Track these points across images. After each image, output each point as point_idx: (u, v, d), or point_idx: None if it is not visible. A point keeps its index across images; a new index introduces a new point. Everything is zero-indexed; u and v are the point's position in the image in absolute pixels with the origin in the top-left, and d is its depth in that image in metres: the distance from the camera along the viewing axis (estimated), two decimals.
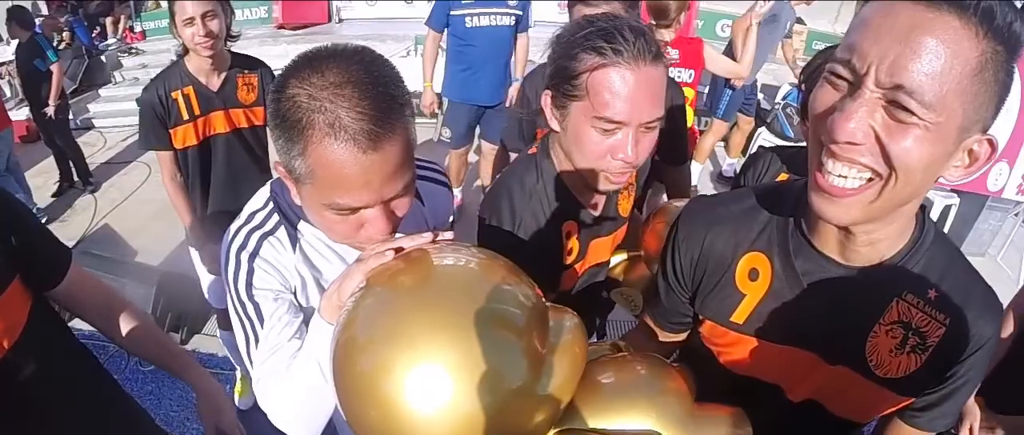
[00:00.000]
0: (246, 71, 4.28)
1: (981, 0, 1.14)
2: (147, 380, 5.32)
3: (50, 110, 9.03)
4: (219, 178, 4.38)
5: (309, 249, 1.96)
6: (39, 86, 9.13)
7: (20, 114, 11.69)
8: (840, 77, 1.27)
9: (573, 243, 2.25)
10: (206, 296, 4.71)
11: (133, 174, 10.33)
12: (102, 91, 14.11)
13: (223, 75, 4.20)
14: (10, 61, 12.25)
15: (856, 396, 1.67)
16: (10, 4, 9.54)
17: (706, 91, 8.69)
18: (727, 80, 7.88)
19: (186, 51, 4.08)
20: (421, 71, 7.03)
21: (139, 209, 9.01)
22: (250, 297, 1.90)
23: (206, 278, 4.60)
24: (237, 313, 1.92)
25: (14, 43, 9.77)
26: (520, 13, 6.66)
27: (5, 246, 1.94)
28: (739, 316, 1.74)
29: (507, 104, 7.17)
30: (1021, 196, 6.82)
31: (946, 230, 7.72)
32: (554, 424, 1.38)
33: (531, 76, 3.81)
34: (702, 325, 1.87)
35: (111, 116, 13.16)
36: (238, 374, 5.27)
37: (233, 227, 1.93)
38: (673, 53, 5.36)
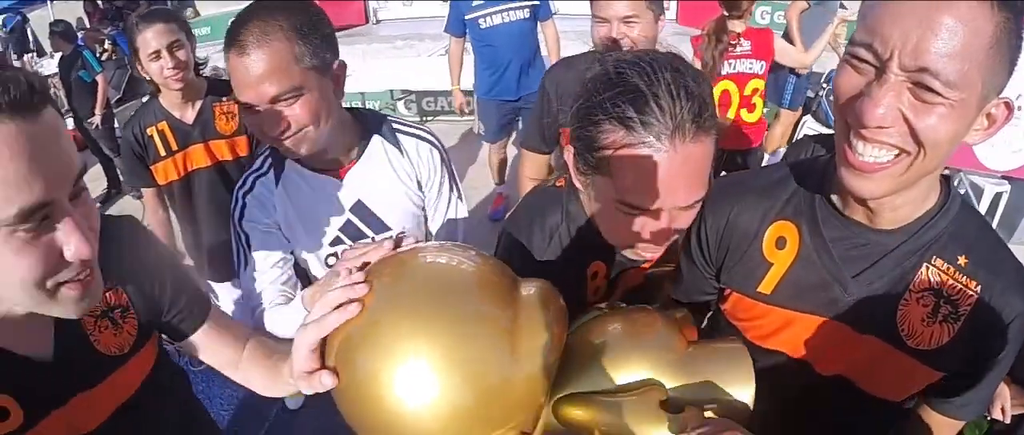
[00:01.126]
0: (223, 99, 3.99)
1: None
2: (198, 380, 5.36)
3: (96, 120, 9.15)
4: (205, 214, 4.17)
5: (289, 183, 2.38)
6: (84, 97, 9.28)
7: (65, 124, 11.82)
8: (863, 61, 1.29)
9: (600, 282, 2.01)
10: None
11: None
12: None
13: (198, 105, 3.98)
14: (54, 74, 12.44)
15: (888, 370, 1.63)
16: (52, 19, 9.69)
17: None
18: (792, 68, 7.75)
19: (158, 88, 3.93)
20: (449, 74, 7.20)
21: None
22: (241, 227, 2.39)
23: (226, 304, 4.48)
24: (235, 242, 2.43)
25: (57, 56, 9.91)
26: (536, 3, 6.53)
27: (147, 297, 1.82)
28: (766, 286, 1.72)
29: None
30: None
31: (997, 219, 7.60)
32: (547, 394, 1.41)
33: (551, 72, 3.71)
34: (727, 300, 1.85)
35: None
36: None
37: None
38: (745, 44, 5.35)
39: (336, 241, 2.49)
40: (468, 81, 7.20)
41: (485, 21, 6.41)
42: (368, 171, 2.45)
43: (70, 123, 11.28)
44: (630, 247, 1.79)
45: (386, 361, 1.22)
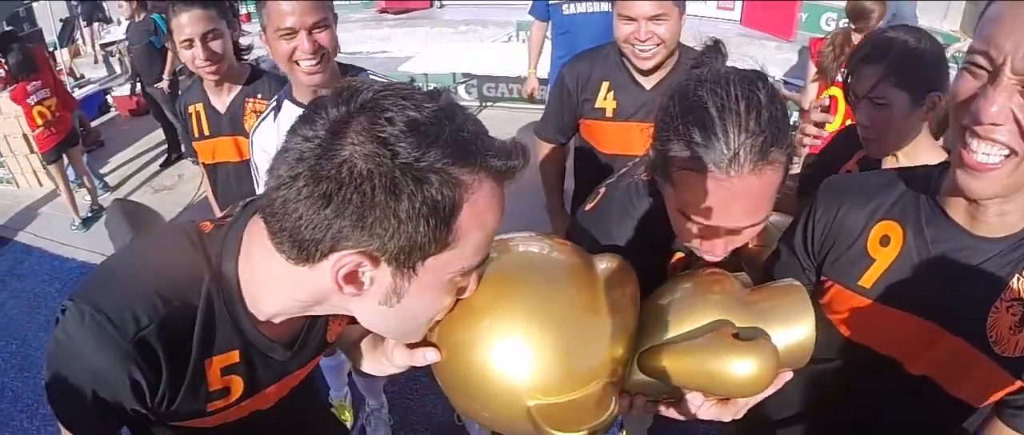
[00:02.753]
0: (258, 96, 3.72)
1: None
2: None
3: (163, 84, 9.26)
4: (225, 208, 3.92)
5: (284, 118, 2.85)
6: (152, 63, 9.40)
7: (126, 89, 12.12)
8: (979, 66, 1.36)
9: (680, 256, 2.08)
10: None
11: None
12: None
13: (232, 96, 3.75)
14: (122, 40, 12.59)
15: (973, 373, 1.67)
16: None
17: None
18: None
19: None
20: (527, 57, 7.15)
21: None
22: (251, 145, 3.07)
23: None
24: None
25: (125, 24, 10.03)
26: None
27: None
28: (867, 280, 1.77)
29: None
30: None
31: None
32: (630, 349, 1.52)
33: (571, 65, 3.66)
34: (827, 293, 1.88)
35: None
36: (337, 400, 4.84)
37: None
38: None
39: None
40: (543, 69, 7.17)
41: (568, 8, 6.36)
42: None
43: (127, 89, 11.56)
44: (695, 248, 1.83)
45: (485, 338, 1.37)
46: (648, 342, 1.57)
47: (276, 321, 1.51)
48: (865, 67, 2.48)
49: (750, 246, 2.11)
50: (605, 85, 3.44)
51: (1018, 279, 1.57)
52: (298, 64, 2.77)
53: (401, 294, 1.27)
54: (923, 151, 2.51)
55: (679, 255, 2.07)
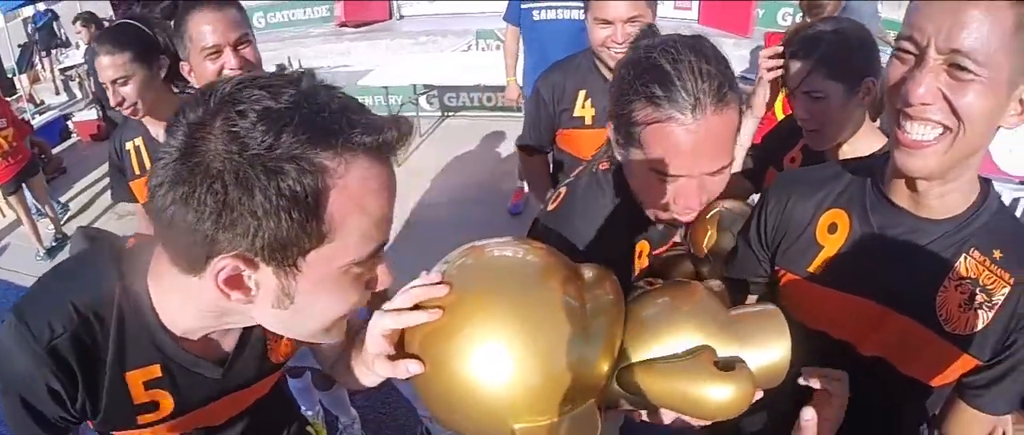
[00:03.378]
0: None
1: None
2: None
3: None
4: None
5: None
6: None
7: (90, 114, 12.06)
8: (907, 52, 1.47)
9: (643, 261, 2.17)
10: None
11: None
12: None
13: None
14: (80, 63, 12.51)
15: (924, 353, 1.74)
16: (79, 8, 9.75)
17: None
18: None
19: None
20: (504, 64, 7.18)
21: None
22: None
23: None
24: None
25: (84, 47, 9.96)
26: None
27: None
28: (816, 267, 1.86)
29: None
30: None
31: None
32: (613, 366, 1.52)
33: (545, 77, 3.71)
34: (781, 282, 1.97)
35: None
36: (310, 418, 4.71)
37: None
38: None
39: None
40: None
41: (538, 14, 6.36)
42: None
43: (93, 113, 11.49)
44: (667, 213, 1.90)
45: (468, 351, 1.35)
46: (628, 358, 1.58)
47: (194, 336, 1.51)
48: (796, 63, 2.53)
49: (710, 234, 2.25)
50: (582, 93, 3.45)
51: (965, 258, 1.65)
52: None
53: (292, 295, 1.25)
54: (866, 137, 2.58)
55: (659, 250, 2.18)
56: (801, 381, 1.65)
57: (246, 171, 1.08)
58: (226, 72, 2.69)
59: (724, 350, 1.53)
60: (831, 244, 1.83)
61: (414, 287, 1.43)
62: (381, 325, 1.43)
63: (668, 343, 1.55)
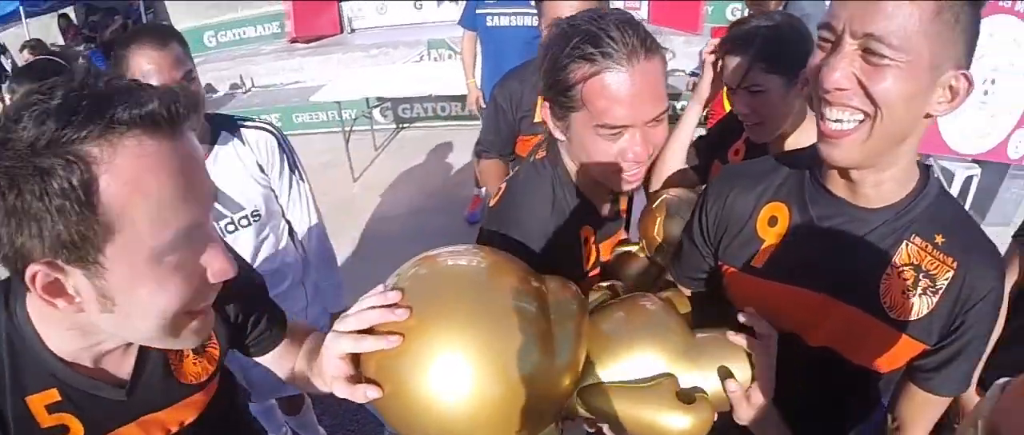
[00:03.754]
0: None
1: None
2: None
3: None
4: None
5: None
6: None
7: None
8: (825, 40, 1.50)
9: (591, 248, 2.21)
10: None
11: None
12: None
13: None
14: None
15: (871, 340, 1.75)
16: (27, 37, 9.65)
17: None
18: None
19: None
20: (463, 70, 7.18)
21: None
22: None
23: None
24: None
25: None
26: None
27: (229, 324, 1.82)
28: (758, 260, 1.87)
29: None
30: None
31: (969, 202, 7.70)
32: (577, 384, 1.53)
33: (502, 85, 3.77)
34: (725, 277, 1.98)
35: None
36: None
37: None
38: None
39: None
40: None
41: (492, 20, 6.39)
42: (218, 163, 2.96)
43: None
44: (618, 176, 1.95)
45: (425, 370, 1.32)
46: (590, 376, 1.59)
47: (83, 359, 1.46)
48: (733, 59, 2.54)
49: (659, 221, 2.32)
50: (540, 99, 3.43)
51: (907, 245, 1.67)
52: None
53: (111, 296, 1.20)
54: (808, 129, 2.58)
55: (607, 241, 2.23)
56: (740, 318, 1.70)
57: (15, 174, 1.05)
58: None
59: (686, 375, 1.57)
60: (772, 237, 1.84)
61: (372, 306, 1.39)
62: (338, 348, 1.41)
63: (631, 364, 1.57)
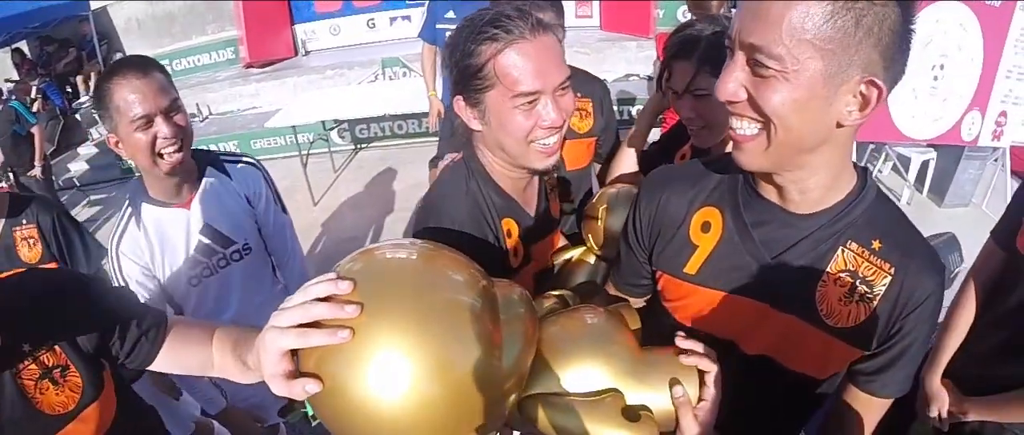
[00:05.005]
0: (24, 222, 3.35)
1: None
2: None
3: (36, 172, 9.03)
4: None
5: (148, 221, 2.86)
6: (20, 153, 9.17)
7: None
8: (729, 49, 1.47)
9: (515, 243, 2.21)
10: None
11: None
12: (80, 150, 14.14)
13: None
14: None
15: (809, 347, 1.73)
16: None
17: None
18: None
19: None
20: (424, 83, 7.11)
21: None
22: (114, 260, 2.84)
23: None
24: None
25: None
26: None
27: (91, 346, 1.84)
28: (691, 267, 1.83)
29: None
30: (996, 142, 6.90)
31: (926, 184, 7.87)
32: (521, 390, 1.49)
33: None
34: (659, 282, 1.96)
35: (92, 171, 13.28)
36: None
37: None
38: None
39: (195, 263, 2.97)
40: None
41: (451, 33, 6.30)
42: (208, 198, 2.99)
43: (7, 179, 11.25)
44: (534, 146, 2.00)
45: (366, 368, 1.24)
46: (533, 385, 1.54)
47: None
48: (678, 63, 2.53)
49: (602, 215, 2.37)
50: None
51: (842, 251, 1.64)
52: (161, 156, 2.64)
53: None
54: None
55: (509, 222, 2.20)
56: (678, 343, 1.61)
57: None
58: (160, 141, 2.62)
59: (631, 392, 1.53)
60: (705, 243, 1.81)
61: (318, 297, 1.29)
62: (281, 344, 1.30)
63: (576, 377, 1.54)
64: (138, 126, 2.57)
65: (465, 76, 1.97)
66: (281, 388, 1.33)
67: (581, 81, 3.32)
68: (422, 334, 1.26)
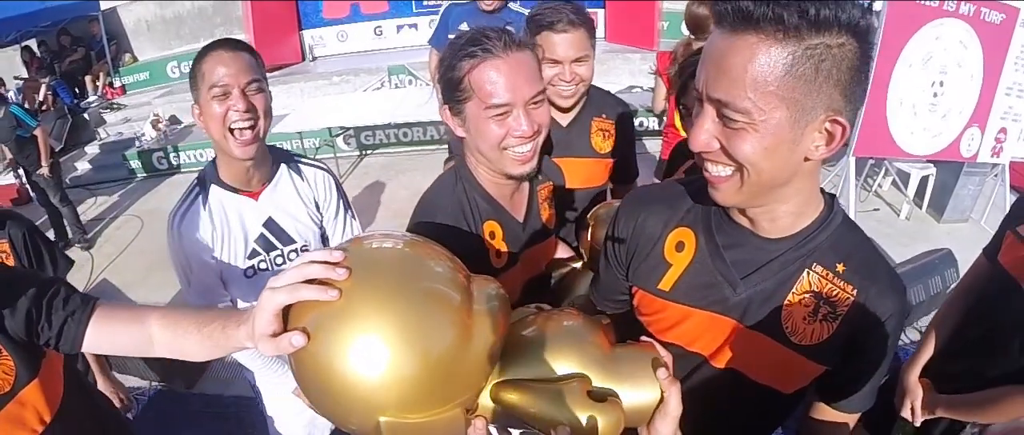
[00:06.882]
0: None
1: (770, 11, 1.34)
2: None
3: (44, 170, 9.06)
4: None
5: (214, 204, 2.88)
6: (27, 154, 9.21)
7: (7, 179, 11.91)
8: (699, 101, 1.53)
9: (499, 244, 2.32)
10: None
11: (126, 228, 10.44)
12: (88, 148, 14.14)
13: None
14: None
15: (774, 363, 1.82)
16: None
17: None
18: None
19: None
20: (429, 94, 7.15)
21: (135, 262, 9.12)
22: (175, 236, 2.85)
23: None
24: (179, 267, 2.90)
25: None
26: None
27: (14, 330, 1.94)
28: (665, 284, 1.91)
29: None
30: (996, 158, 6.97)
31: (926, 200, 7.91)
32: (488, 378, 1.56)
33: None
34: (635, 297, 2.05)
35: (100, 170, 13.29)
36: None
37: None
38: None
39: (253, 254, 3.00)
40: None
41: None
42: (277, 193, 3.04)
43: (10, 178, 11.31)
44: (508, 154, 2.14)
45: (348, 336, 1.33)
46: (505, 373, 1.60)
47: None
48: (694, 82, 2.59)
49: (593, 229, 2.49)
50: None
51: (808, 273, 1.73)
52: (232, 132, 2.68)
53: None
54: None
55: (492, 225, 2.31)
56: (643, 339, 1.70)
57: None
58: (232, 114, 2.65)
59: (599, 382, 1.59)
60: (678, 262, 1.89)
61: (313, 261, 1.40)
62: (275, 301, 1.40)
63: (548, 365, 1.61)
64: (215, 95, 2.64)
65: (449, 87, 2.13)
66: (270, 347, 1.42)
67: (609, 104, 3.37)
68: (400, 304, 1.36)
